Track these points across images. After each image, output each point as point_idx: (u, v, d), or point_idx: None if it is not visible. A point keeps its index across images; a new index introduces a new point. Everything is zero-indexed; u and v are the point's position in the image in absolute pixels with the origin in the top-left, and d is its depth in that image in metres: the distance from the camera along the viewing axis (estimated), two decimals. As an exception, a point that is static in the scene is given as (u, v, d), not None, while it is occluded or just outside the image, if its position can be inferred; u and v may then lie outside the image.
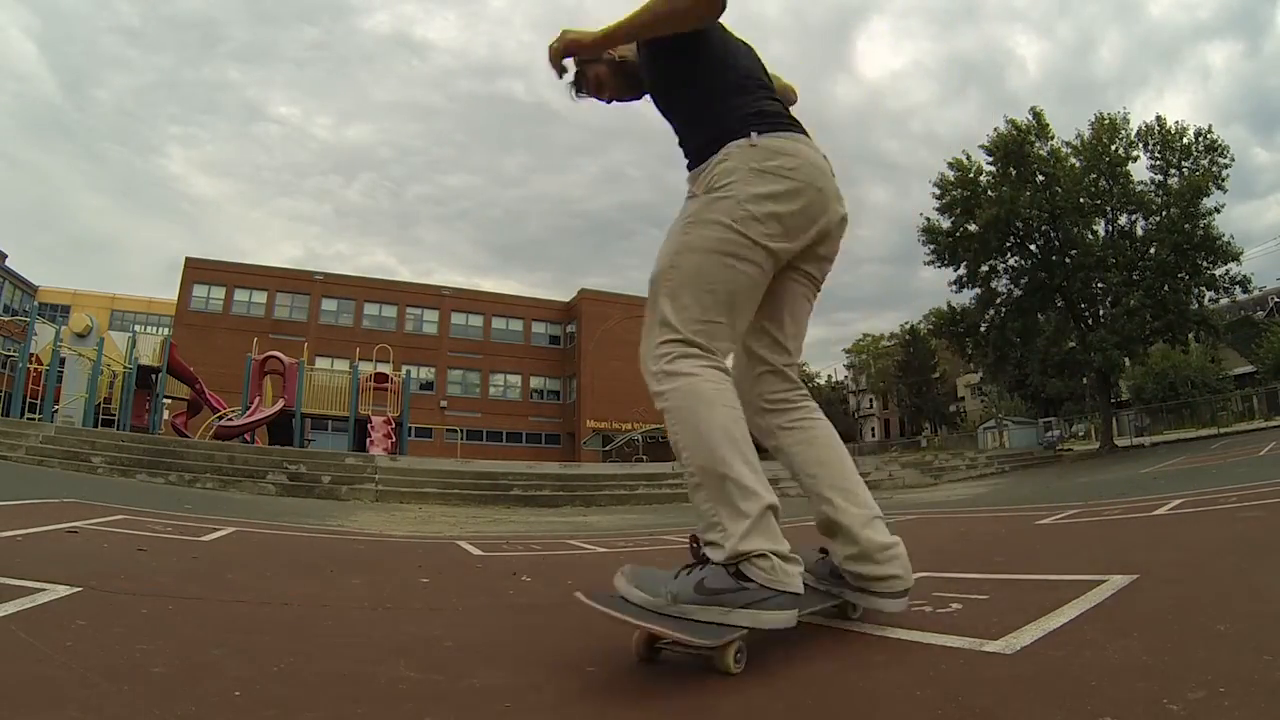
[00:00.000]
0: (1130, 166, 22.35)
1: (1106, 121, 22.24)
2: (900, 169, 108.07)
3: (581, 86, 1.84)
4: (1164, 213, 21.45)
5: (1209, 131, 21.59)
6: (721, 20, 1.60)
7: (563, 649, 1.58)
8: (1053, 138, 22.82)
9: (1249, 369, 32.26)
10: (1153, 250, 21.81)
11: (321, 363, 24.82)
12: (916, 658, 1.34)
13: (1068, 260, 23.01)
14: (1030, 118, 22.80)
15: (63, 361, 14.53)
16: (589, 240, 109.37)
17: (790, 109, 1.72)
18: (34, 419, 13.56)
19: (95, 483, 8.73)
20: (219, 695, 1.15)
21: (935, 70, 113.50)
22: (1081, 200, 22.00)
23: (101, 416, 15.02)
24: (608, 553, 4.20)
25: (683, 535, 5.40)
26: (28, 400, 14.09)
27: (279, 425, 17.87)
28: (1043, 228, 23.05)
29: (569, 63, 1.74)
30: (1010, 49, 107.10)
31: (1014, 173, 22.40)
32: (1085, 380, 29.02)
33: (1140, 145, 22.20)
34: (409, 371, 24.57)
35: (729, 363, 1.63)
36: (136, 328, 26.02)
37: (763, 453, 1.72)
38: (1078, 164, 22.44)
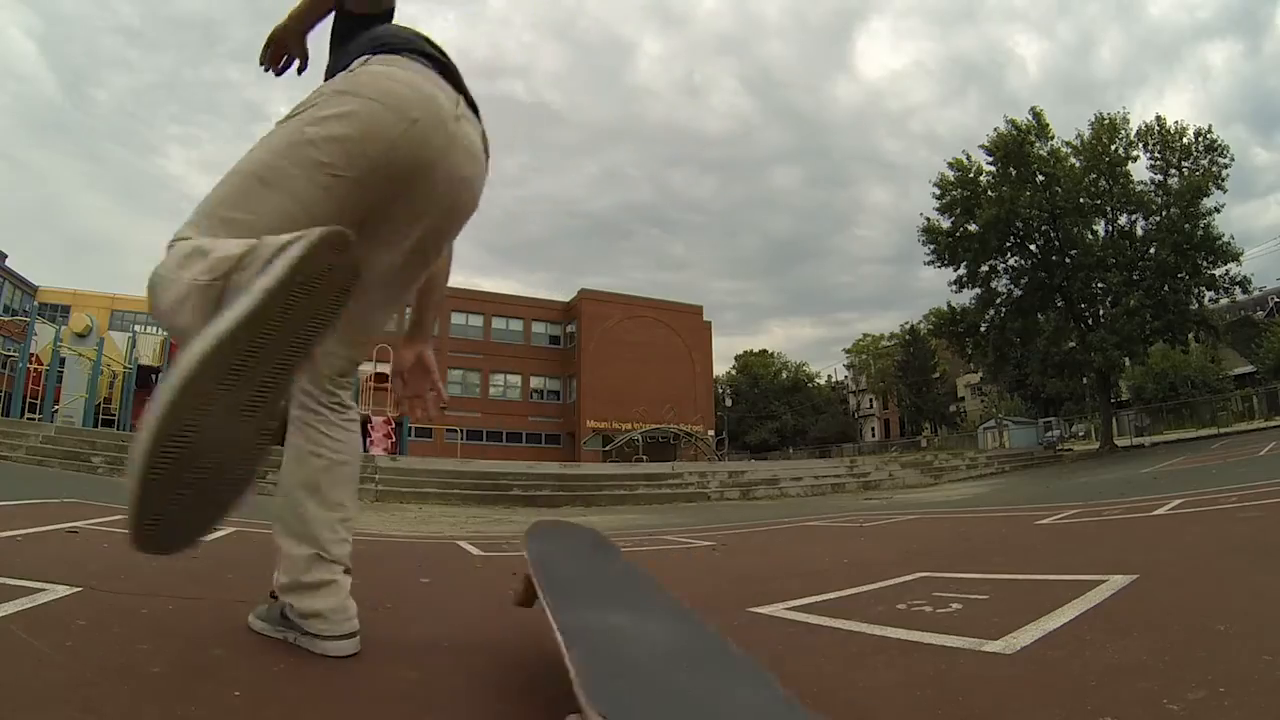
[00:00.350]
0: (1130, 166, 22.36)
1: (1106, 121, 22.24)
2: (900, 169, 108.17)
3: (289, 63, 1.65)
4: (1164, 213, 21.45)
5: (1209, 131, 21.60)
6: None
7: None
8: (1053, 138, 22.82)
9: (1249, 369, 32.25)
10: (1153, 250, 21.81)
11: (321, 363, 24.77)
12: (916, 658, 1.34)
13: (1068, 260, 23.01)
14: (1030, 118, 22.80)
15: (63, 361, 14.54)
16: (589, 240, 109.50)
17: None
18: (34, 419, 13.57)
19: (95, 483, 8.73)
20: (219, 695, 1.15)
21: (935, 70, 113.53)
22: (1082, 200, 22.00)
23: (101, 416, 15.02)
24: (608, 553, 4.20)
25: (682, 535, 5.40)
26: (28, 400, 14.09)
27: (279, 425, 17.87)
28: (1043, 228, 23.04)
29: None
30: (1010, 49, 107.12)
31: (1014, 173, 22.39)
32: (1085, 380, 29.02)
33: (1140, 145, 22.21)
34: (409, 371, 24.52)
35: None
36: (136, 328, 26.01)
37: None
38: (1078, 164, 22.44)
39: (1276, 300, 35.05)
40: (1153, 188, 22.12)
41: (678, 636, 1.03)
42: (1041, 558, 2.75)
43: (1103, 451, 21.50)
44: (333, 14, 1.57)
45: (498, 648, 1.65)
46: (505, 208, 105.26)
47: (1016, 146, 22.27)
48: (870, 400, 62.95)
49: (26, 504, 4.68)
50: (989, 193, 22.99)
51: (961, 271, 24.26)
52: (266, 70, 1.58)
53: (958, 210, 23.69)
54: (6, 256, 36.06)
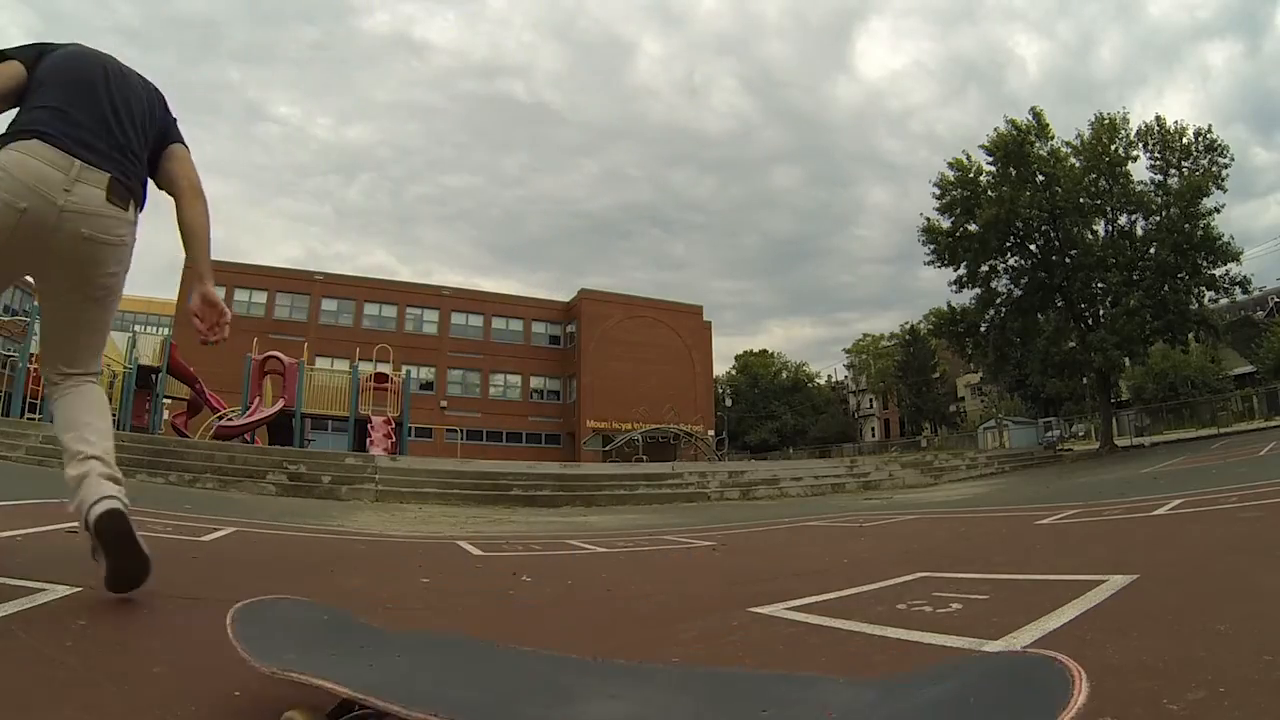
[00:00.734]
0: (1130, 166, 22.36)
1: (1106, 121, 22.25)
2: (899, 169, 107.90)
3: None
4: (1164, 213, 21.46)
5: (1209, 131, 21.59)
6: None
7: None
8: (1053, 138, 22.82)
9: (1249, 369, 32.26)
10: (1153, 250, 21.81)
11: (321, 363, 24.80)
12: (917, 658, 1.34)
13: (1068, 260, 23.01)
14: (1030, 118, 22.80)
15: (63, 361, 14.53)
16: (589, 240, 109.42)
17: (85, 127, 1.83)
18: (34, 419, 13.56)
19: (95, 483, 8.71)
20: (219, 695, 1.15)
21: (935, 70, 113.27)
22: (1082, 200, 22.00)
23: (101, 416, 15.01)
24: (608, 552, 4.20)
25: (683, 535, 5.40)
26: (28, 400, 14.08)
27: (279, 425, 17.86)
28: (1043, 228, 23.05)
29: None
30: (1010, 49, 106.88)
31: (1014, 173, 22.39)
32: (1085, 380, 29.02)
33: (1140, 145, 22.21)
34: (409, 371, 24.56)
35: None
36: (136, 328, 26.02)
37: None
38: (1078, 164, 22.44)
39: (1276, 300, 35.05)
40: (1153, 188, 22.12)
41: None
42: (1041, 558, 2.76)
43: (1103, 451, 21.50)
44: None
45: (498, 648, 1.65)
46: (505, 208, 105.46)
47: (1016, 146, 22.27)
48: (870, 400, 62.96)
49: (27, 504, 4.68)
50: (989, 193, 22.99)
51: (961, 271, 24.26)
52: None
53: (958, 210, 23.69)
54: (6, 256, 36.00)
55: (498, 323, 38.86)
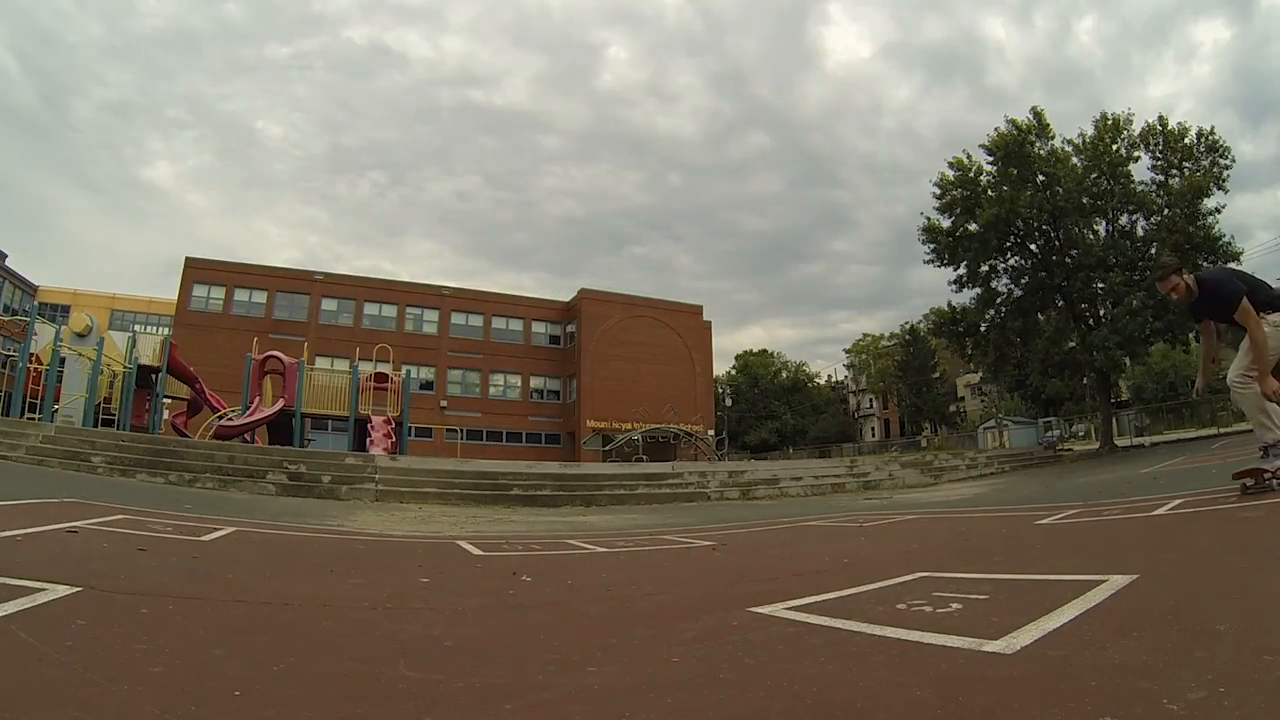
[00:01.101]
0: (1131, 166, 22.36)
1: (1110, 121, 22.25)
2: (893, 168, 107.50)
3: (1161, 281, 4.17)
4: (1164, 213, 21.46)
5: (1211, 132, 21.61)
6: None
7: (563, 649, 1.58)
8: (1053, 137, 22.81)
9: (1249, 369, 32.24)
10: (1153, 250, 21.80)
11: (321, 362, 24.79)
12: (916, 658, 1.34)
13: (1068, 260, 23.01)
14: (1030, 117, 22.80)
15: (63, 361, 14.53)
16: (589, 242, 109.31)
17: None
18: (34, 419, 13.56)
19: (95, 483, 8.73)
20: (219, 695, 1.15)
21: (912, 62, 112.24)
22: (1084, 200, 22.01)
23: (101, 416, 15.01)
24: (608, 552, 4.20)
25: (682, 535, 5.40)
26: (28, 400, 14.08)
27: (279, 425, 17.86)
28: (1043, 227, 23.05)
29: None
30: (985, 36, 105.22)
31: (1014, 173, 22.39)
32: (1085, 380, 29.02)
33: (1142, 145, 22.21)
34: (409, 371, 24.56)
35: None
36: (136, 327, 26.02)
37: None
38: (1079, 164, 22.44)
39: (1277, 300, 35.00)
40: (1154, 188, 22.12)
41: None
42: (1041, 558, 2.75)
43: (1103, 451, 21.49)
44: None
45: (498, 647, 1.65)
46: (505, 211, 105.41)
47: (1017, 146, 22.27)
48: (870, 400, 62.98)
49: (26, 504, 4.68)
50: (989, 192, 22.98)
51: (962, 271, 24.26)
52: None
53: (958, 210, 23.70)
54: (6, 256, 36.09)
55: (498, 323, 38.86)
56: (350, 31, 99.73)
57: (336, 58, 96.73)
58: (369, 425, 18.09)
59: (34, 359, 14.49)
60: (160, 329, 31.81)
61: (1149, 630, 1.37)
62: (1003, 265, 24.60)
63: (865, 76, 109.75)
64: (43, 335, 15.05)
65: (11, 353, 16.35)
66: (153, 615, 1.78)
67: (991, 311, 24.79)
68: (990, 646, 1.33)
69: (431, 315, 37.67)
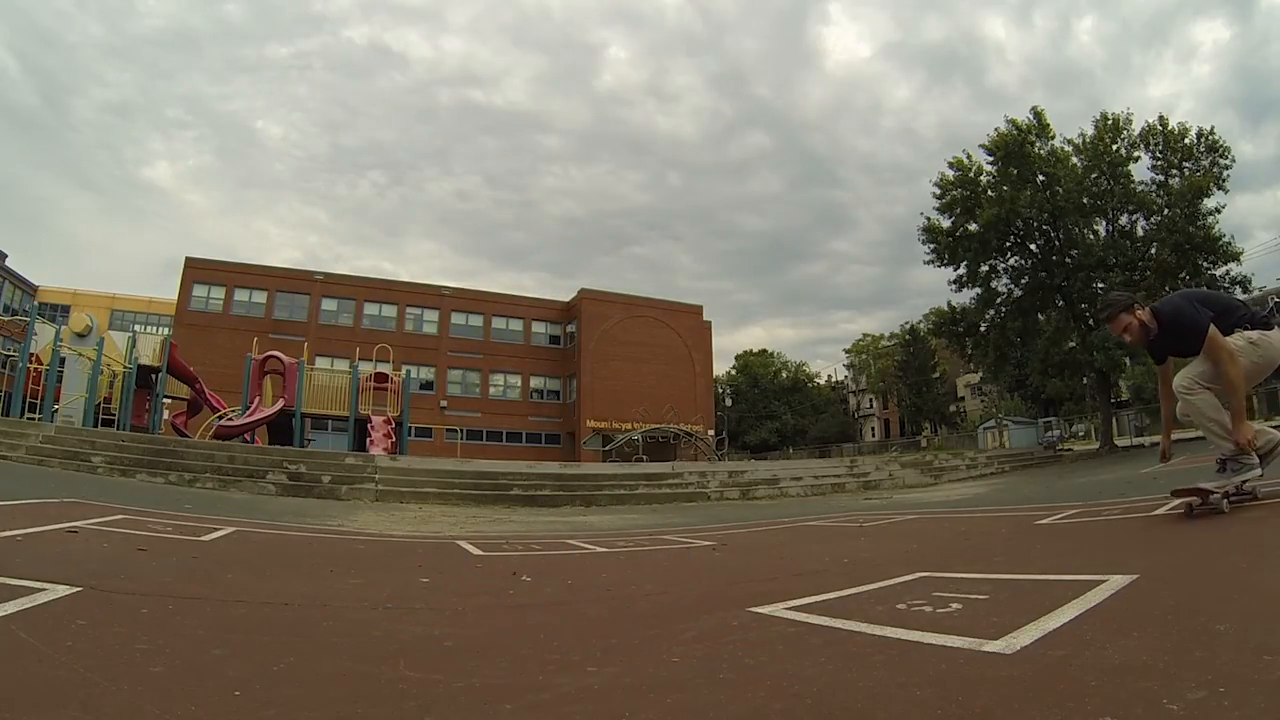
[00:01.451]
0: (1131, 166, 22.37)
1: (1110, 121, 22.26)
2: (889, 168, 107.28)
3: (1109, 320, 3.55)
4: (1164, 213, 21.47)
5: (1211, 132, 21.62)
6: None
7: (563, 649, 1.58)
8: (1053, 137, 22.83)
9: (1249, 369, 32.21)
10: (1153, 250, 21.82)
11: (321, 362, 24.81)
12: (916, 658, 1.34)
13: (1068, 260, 23.01)
14: (1031, 117, 22.81)
15: (63, 361, 14.53)
16: (589, 242, 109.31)
17: None
18: (34, 419, 13.56)
19: (95, 483, 8.73)
20: (219, 695, 1.15)
21: (912, 62, 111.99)
22: (1084, 200, 22.01)
23: (101, 416, 15.01)
24: (607, 552, 4.20)
25: (682, 535, 5.40)
26: (28, 400, 14.08)
27: (279, 425, 17.86)
28: (1043, 227, 23.06)
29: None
30: (985, 35, 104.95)
31: (1014, 172, 22.41)
32: (1085, 380, 29.01)
33: (1142, 145, 22.22)
34: (409, 371, 24.56)
35: None
36: (136, 327, 26.02)
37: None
38: (1079, 164, 22.45)
39: (1276, 300, 35.04)
40: (1154, 188, 22.13)
41: None
42: (1041, 558, 2.75)
43: (1103, 451, 21.50)
44: None
45: (498, 648, 1.65)
46: (505, 211, 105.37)
47: (1017, 146, 22.28)
48: (870, 400, 63.00)
49: (26, 504, 4.68)
50: (989, 192, 23.00)
51: (961, 271, 24.27)
52: None
53: (958, 210, 23.71)
54: (6, 256, 36.09)
55: (498, 323, 38.87)
56: (350, 31, 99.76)
57: (336, 58, 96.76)
58: (369, 425, 18.09)
59: (34, 359, 14.49)
60: (160, 329, 31.81)
61: (1149, 630, 1.37)
62: (1003, 265, 24.60)
63: (865, 76, 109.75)
64: (43, 335, 15.05)
65: (11, 353, 16.35)
66: (153, 615, 1.78)
67: (991, 311, 24.79)
68: (990, 646, 1.33)
69: (431, 315, 37.68)
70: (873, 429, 61.99)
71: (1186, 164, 21.74)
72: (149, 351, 17.70)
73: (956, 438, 41.55)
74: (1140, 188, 22.41)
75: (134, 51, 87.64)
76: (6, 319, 20.91)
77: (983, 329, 24.74)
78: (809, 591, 2.16)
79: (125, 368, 16.20)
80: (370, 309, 36.55)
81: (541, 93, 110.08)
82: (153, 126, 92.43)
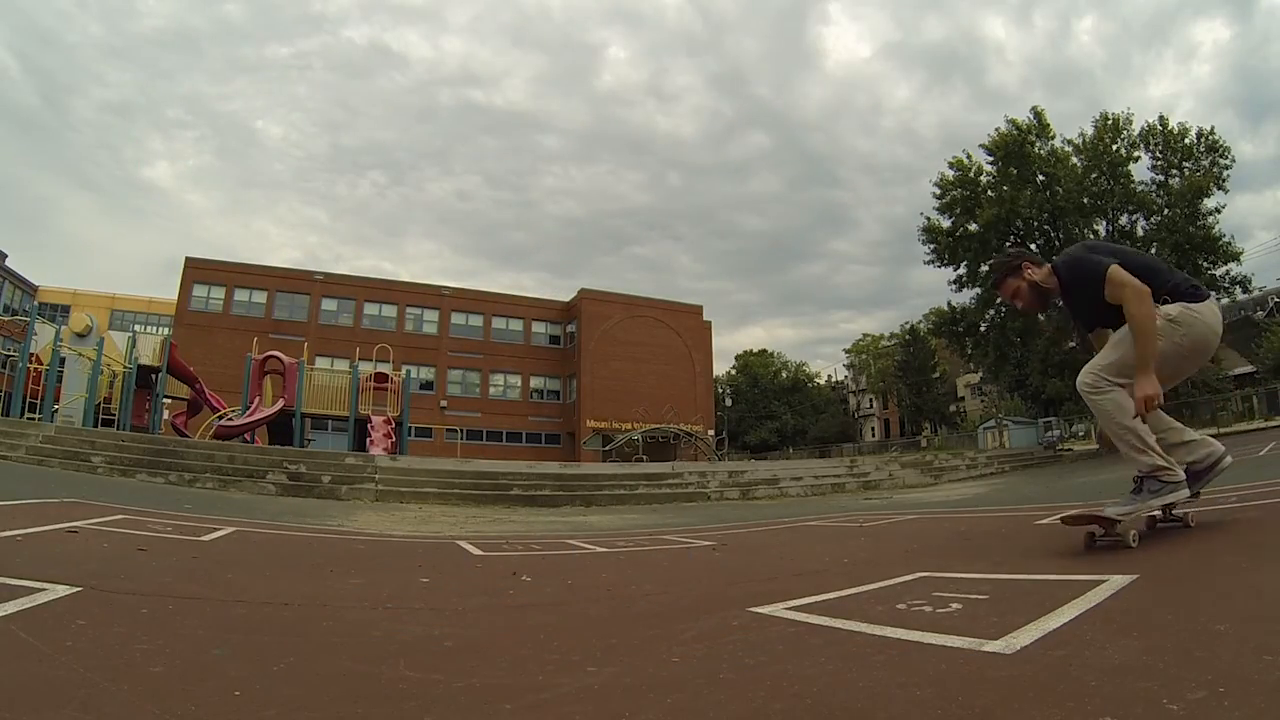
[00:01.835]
0: (1131, 166, 22.39)
1: (1110, 121, 22.27)
2: (887, 168, 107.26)
3: (997, 287, 3.03)
4: (1164, 213, 21.49)
5: (1211, 132, 21.63)
6: None
7: (563, 649, 1.58)
8: (1053, 137, 22.85)
9: (1249, 369, 32.25)
10: (1153, 250, 21.84)
11: (321, 362, 24.81)
12: (916, 658, 1.34)
13: (1069, 260, 23.03)
14: (1031, 117, 22.83)
15: (63, 361, 14.53)
16: (589, 242, 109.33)
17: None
18: (34, 419, 13.56)
19: (95, 483, 8.73)
20: (219, 695, 1.15)
21: (912, 62, 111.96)
22: (1084, 200, 22.03)
23: (101, 416, 15.01)
24: (607, 552, 4.20)
25: (682, 535, 5.40)
26: (28, 400, 14.08)
27: (279, 425, 17.87)
28: (1043, 227, 23.08)
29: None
30: (985, 35, 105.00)
31: (1014, 172, 22.42)
32: (1085, 380, 28.95)
33: (1142, 145, 22.23)
34: (409, 371, 24.57)
35: None
36: (136, 327, 26.02)
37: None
38: (1079, 164, 22.47)
39: (1276, 300, 35.05)
40: (1154, 188, 22.15)
41: None
42: (1041, 558, 2.75)
43: (1102, 451, 21.48)
44: None
45: (498, 648, 1.65)
46: (505, 212, 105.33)
47: (1017, 146, 22.29)
48: (870, 400, 62.98)
49: (26, 504, 4.68)
50: (989, 192, 23.02)
51: (962, 271, 24.29)
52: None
53: (958, 210, 23.72)
54: (6, 256, 36.09)
55: (498, 323, 38.88)
56: (350, 31, 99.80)
57: (336, 58, 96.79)
58: (369, 425, 18.10)
59: (34, 359, 14.49)
60: (160, 329, 31.81)
61: (1149, 630, 1.37)
62: (1003, 265, 24.57)
63: (865, 76, 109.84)
64: (43, 335, 15.05)
65: (11, 353, 16.35)
66: (153, 615, 1.78)
67: (991, 311, 24.81)
68: (990, 646, 1.33)
69: (431, 315, 37.68)
70: (873, 429, 61.98)
71: (1186, 164, 21.75)
72: (149, 351, 17.70)
73: (956, 438, 41.54)
74: (1140, 188, 22.43)
75: (134, 51, 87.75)
76: (6, 319, 20.91)
77: (983, 329, 24.75)
78: (809, 591, 2.16)
79: (125, 368, 16.20)
80: (370, 309, 36.56)
81: (541, 93, 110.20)
82: (153, 126, 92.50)
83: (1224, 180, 21.10)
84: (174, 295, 33.75)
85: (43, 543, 3.02)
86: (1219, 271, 21.45)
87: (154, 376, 17.93)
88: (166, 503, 6.62)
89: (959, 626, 1.52)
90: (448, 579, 3.00)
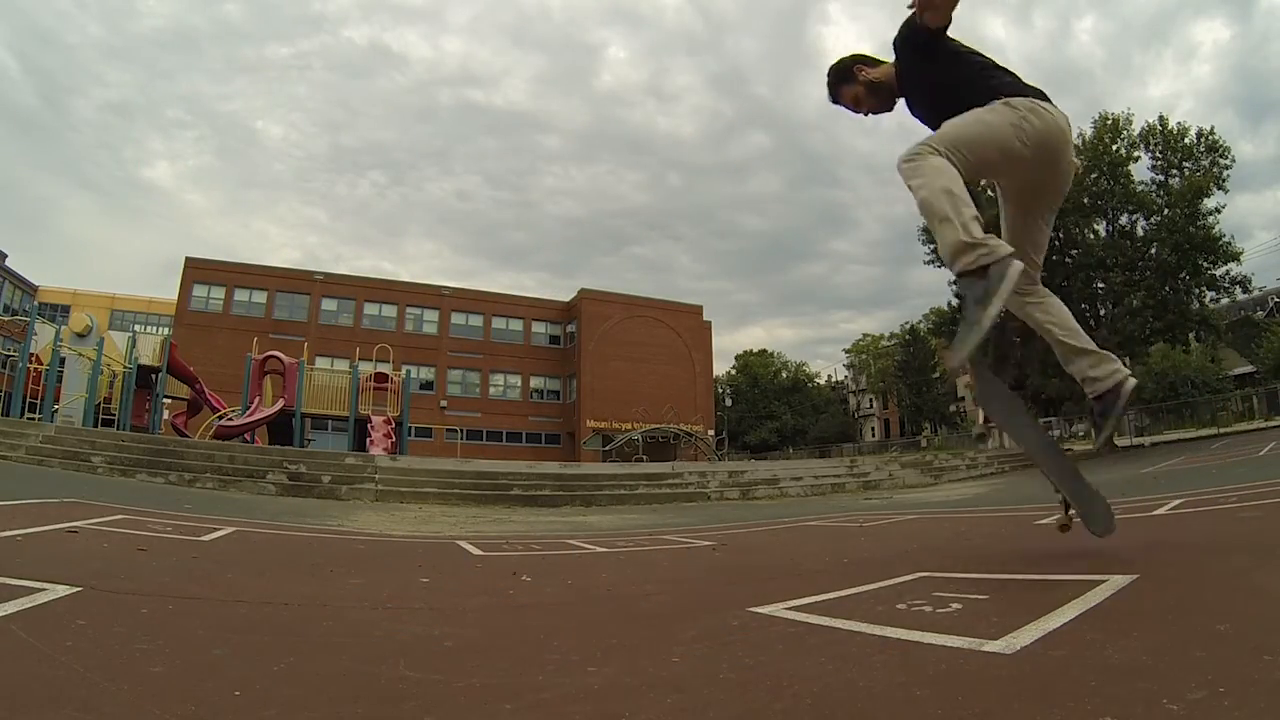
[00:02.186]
0: (1131, 166, 22.40)
1: (1110, 121, 22.28)
2: (887, 168, 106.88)
3: (836, 99, 2.57)
4: (1164, 213, 21.50)
5: (1211, 132, 21.65)
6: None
7: (563, 649, 1.58)
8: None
9: (1249, 369, 32.26)
10: (1153, 250, 21.85)
11: (321, 362, 24.82)
12: (916, 658, 1.34)
13: (1068, 260, 23.04)
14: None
15: (63, 361, 14.53)
16: (589, 242, 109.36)
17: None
18: (34, 419, 13.57)
19: (95, 483, 8.73)
20: (219, 695, 1.15)
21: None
22: (1084, 200, 22.04)
23: (101, 416, 15.01)
24: (607, 552, 4.20)
25: (682, 535, 5.40)
26: (28, 400, 14.09)
27: (279, 425, 17.87)
28: (1043, 227, 23.11)
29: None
30: (985, 35, 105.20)
31: (1014, 172, 22.44)
32: (1085, 380, 28.98)
33: (1142, 145, 22.24)
34: (409, 371, 24.58)
35: None
36: (136, 327, 26.03)
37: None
38: (1078, 163, 22.49)
39: (1276, 300, 35.06)
40: (1154, 188, 22.15)
41: None
42: (1042, 558, 2.75)
43: (1102, 451, 21.50)
44: None
45: (498, 648, 1.65)
46: (504, 212, 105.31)
47: (1017, 146, 22.30)
48: (870, 400, 62.98)
49: (26, 504, 4.68)
50: (989, 192, 23.01)
51: (962, 271, 24.30)
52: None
53: (958, 210, 23.74)
54: (6, 256, 36.09)
55: (498, 323, 38.89)
56: (350, 31, 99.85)
57: (336, 58, 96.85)
58: (369, 425, 18.10)
59: (34, 359, 14.50)
60: (160, 329, 31.81)
61: (1149, 630, 1.37)
62: (1003, 265, 24.61)
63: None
64: (43, 335, 15.06)
65: (11, 353, 16.35)
66: (153, 615, 1.78)
67: (991, 311, 24.77)
68: (990, 646, 1.33)
69: (431, 315, 37.68)
70: (873, 429, 61.97)
71: (1186, 164, 21.77)
72: (149, 351, 17.71)
73: (956, 438, 41.53)
74: (1140, 188, 22.45)
75: (134, 51, 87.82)
76: (6, 319, 20.91)
77: (983, 329, 24.75)
78: (809, 591, 2.16)
79: (125, 368, 16.20)
80: (370, 309, 36.57)
81: (541, 93, 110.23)
82: (153, 126, 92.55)
83: (1224, 180, 21.12)
84: (174, 295, 33.76)
85: (43, 543, 3.02)
86: (1219, 271, 21.46)
87: (154, 376, 17.94)
88: (166, 503, 6.62)
89: (959, 626, 1.52)
90: (448, 579, 3.00)
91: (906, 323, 54.62)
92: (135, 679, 1.21)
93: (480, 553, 4.06)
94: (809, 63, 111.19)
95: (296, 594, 2.34)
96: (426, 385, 34.85)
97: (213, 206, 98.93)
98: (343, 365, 21.78)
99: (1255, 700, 0.96)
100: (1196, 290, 21.71)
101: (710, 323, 42.44)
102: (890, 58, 2.45)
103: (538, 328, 39.75)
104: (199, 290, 33.24)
